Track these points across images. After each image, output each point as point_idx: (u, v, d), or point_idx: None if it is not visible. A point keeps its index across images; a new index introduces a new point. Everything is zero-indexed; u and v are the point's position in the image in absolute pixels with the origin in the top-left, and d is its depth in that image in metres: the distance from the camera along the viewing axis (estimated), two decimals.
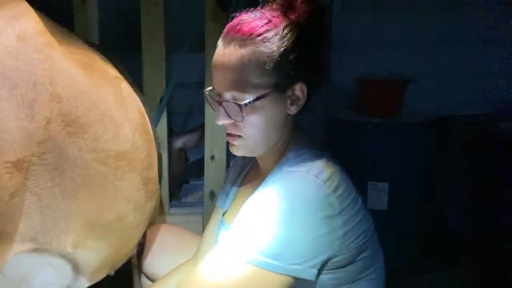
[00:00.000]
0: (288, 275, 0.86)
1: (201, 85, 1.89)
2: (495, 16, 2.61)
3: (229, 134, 1.01)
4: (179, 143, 2.22)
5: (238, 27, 0.95)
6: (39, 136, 0.86)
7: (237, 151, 1.03)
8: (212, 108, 1.03)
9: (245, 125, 0.97)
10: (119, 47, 2.07)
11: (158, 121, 1.93)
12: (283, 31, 0.93)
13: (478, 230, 2.46)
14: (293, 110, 1.00)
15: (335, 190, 0.92)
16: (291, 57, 0.93)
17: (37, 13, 0.95)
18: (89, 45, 1.21)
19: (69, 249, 0.98)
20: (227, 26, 0.99)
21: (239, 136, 0.99)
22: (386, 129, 2.36)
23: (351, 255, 0.94)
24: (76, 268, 1.04)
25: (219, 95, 0.98)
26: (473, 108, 2.62)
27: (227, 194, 1.24)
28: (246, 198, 1.03)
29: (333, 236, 0.90)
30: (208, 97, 1.03)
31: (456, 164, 2.57)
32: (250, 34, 0.93)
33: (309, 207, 0.88)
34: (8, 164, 0.82)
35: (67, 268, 1.02)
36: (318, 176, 0.92)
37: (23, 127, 0.84)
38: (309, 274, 0.88)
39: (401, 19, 2.60)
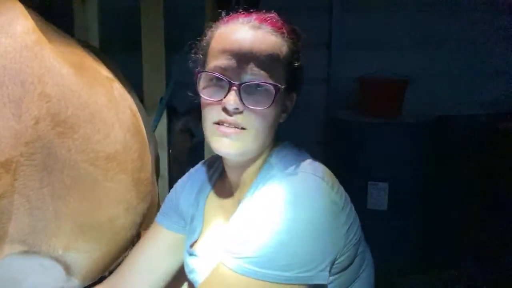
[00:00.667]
0: (302, 284, 0.82)
1: None
2: (495, 17, 2.60)
3: (226, 127, 0.89)
4: (180, 123, 2.19)
5: (264, 17, 0.94)
6: (27, 136, 0.85)
7: (233, 148, 0.91)
8: (200, 94, 0.93)
9: (257, 115, 0.89)
10: (119, 47, 2.07)
11: (158, 121, 1.93)
12: (296, 42, 0.96)
13: (478, 230, 2.46)
14: (283, 117, 0.97)
15: (332, 186, 0.90)
16: (298, 66, 0.95)
17: (29, 11, 0.94)
18: (83, 45, 1.20)
19: (59, 251, 0.97)
20: (244, 14, 0.96)
21: (242, 128, 0.90)
22: (386, 129, 2.36)
23: (352, 253, 0.92)
24: (68, 270, 1.02)
25: (235, 77, 0.89)
26: (473, 108, 2.62)
27: (184, 219, 1.12)
28: (219, 223, 1.00)
29: (338, 234, 0.87)
30: (211, 78, 0.92)
31: (456, 164, 2.57)
32: (280, 28, 0.93)
33: (314, 208, 0.84)
34: None
35: (58, 269, 1.01)
36: (315, 174, 0.89)
37: (10, 127, 0.82)
38: (322, 278, 0.84)
39: (400, 19, 2.60)
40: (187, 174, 1.18)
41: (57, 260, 0.99)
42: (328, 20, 2.62)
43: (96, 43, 1.80)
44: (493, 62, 2.63)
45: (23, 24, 0.89)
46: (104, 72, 1.15)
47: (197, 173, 1.15)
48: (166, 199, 1.18)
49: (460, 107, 2.63)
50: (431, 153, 2.43)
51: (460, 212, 2.53)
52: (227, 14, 0.99)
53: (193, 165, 1.30)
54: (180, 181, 1.18)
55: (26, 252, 0.92)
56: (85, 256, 1.04)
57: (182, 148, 2.19)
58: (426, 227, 2.46)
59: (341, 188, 0.94)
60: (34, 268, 0.97)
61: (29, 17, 0.92)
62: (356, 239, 0.92)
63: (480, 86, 2.65)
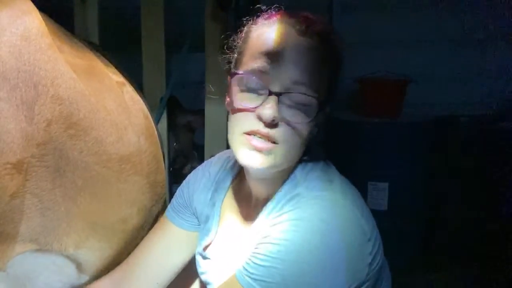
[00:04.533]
0: None
1: (202, 84, 1.89)
2: (495, 17, 2.61)
3: (258, 139, 0.82)
4: (184, 120, 2.18)
5: (311, 21, 0.85)
6: (39, 138, 0.86)
7: (263, 164, 0.83)
8: (232, 98, 0.85)
9: (293, 131, 0.82)
10: (119, 47, 2.07)
11: (158, 121, 1.93)
12: (342, 50, 0.90)
13: (478, 230, 2.46)
14: (315, 131, 0.89)
15: (362, 211, 0.85)
16: (339, 76, 0.90)
17: (40, 14, 0.94)
18: (92, 47, 1.20)
19: (70, 250, 0.98)
20: (289, 14, 0.87)
21: (273, 142, 0.82)
22: (386, 129, 2.36)
23: (374, 279, 0.88)
24: (79, 267, 1.04)
25: (274, 84, 0.82)
26: (473, 108, 2.63)
27: (197, 217, 1.07)
28: (234, 227, 0.98)
29: (362, 264, 0.84)
30: (246, 81, 0.84)
31: (456, 164, 2.57)
32: (328, 35, 0.86)
33: (341, 239, 0.80)
34: (8, 165, 0.81)
35: (70, 267, 1.02)
36: (345, 200, 0.84)
37: (22, 129, 0.83)
38: None
39: (401, 19, 2.60)
40: (200, 168, 1.11)
41: (69, 258, 1.00)
42: (328, 20, 2.62)
43: (96, 43, 1.80)
44: (494, 62, 2.63)
45: (38, 27, 0.90)
46: (114, 76, 1.16)
47: (213, 169, 1.07)
48: (178, 194, 1.11)
49: (460, 107, 2.63)
50: (431, 153, 2.43)
51: (460, 212, 2.53)
52: (266, 10, 0.90)
53: (192, 166, 1.29)
54: (192, 176, 1.11)
55: (38, 250, 0.94)
56: (96, 254, 1.05)
57: (185, 143, 2.20)
58: (426, 227, 2.47)
59: (365, 204, 0.90)
60: (47, 266, 0.99)
61: (42, 19, 0.92)
62: (379, 264, 0.88)
63: (480, 86, 2.65)
